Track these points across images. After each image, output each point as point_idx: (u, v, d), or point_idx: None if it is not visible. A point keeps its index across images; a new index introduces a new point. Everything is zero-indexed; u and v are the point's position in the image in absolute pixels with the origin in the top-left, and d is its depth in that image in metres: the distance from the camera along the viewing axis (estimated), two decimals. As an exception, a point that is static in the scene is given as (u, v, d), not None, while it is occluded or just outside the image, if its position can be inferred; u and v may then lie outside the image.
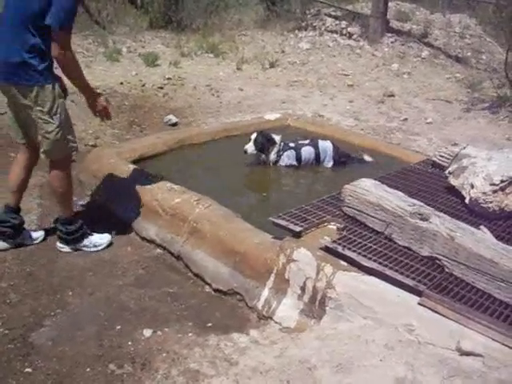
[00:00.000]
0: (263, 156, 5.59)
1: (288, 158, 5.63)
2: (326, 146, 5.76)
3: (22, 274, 3.72)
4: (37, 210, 4.56)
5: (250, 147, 5.50)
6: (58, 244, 4.06)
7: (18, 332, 3.13)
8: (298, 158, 5.66)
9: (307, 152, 5.70)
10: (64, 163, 3.97)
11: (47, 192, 4.86)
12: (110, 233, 4.22)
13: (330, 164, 5.75)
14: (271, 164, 5.60)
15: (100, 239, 4.14)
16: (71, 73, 3.80)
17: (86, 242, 4.07)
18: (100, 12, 12.93)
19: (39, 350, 3.00)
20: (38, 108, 3.66)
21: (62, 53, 3.61)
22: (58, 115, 3.74)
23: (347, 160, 5.81)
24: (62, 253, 4.01)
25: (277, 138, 5.63)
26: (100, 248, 4.09)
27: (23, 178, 4.08)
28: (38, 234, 4.16)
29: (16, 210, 4.05)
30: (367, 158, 5.90)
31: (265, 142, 5.53)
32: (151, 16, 13.25)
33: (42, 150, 3.85)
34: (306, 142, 5.80)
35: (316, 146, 5.72)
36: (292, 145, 5.71)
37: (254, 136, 5.54)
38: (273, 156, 5.59)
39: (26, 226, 4.28)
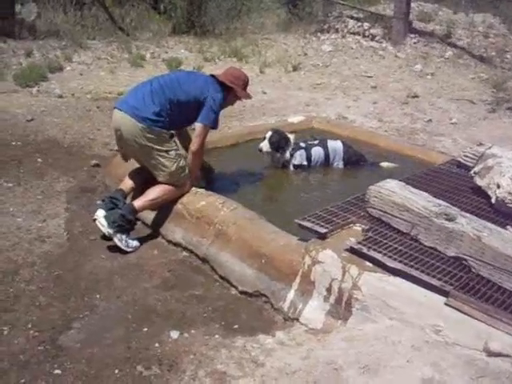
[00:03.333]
0: (278, 155, 5.51)
1: (300, 157, 5.55)
2: (335, 146, 5.69)
3: (51, 277, 3.76)
4: (64, 215, 4.61)
5: (266, 145, 5.42)
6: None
7: (47, 334, 3.17)
8: (308, 158, 5.59)
9: (316, 152, 5.62)
10: (180, 186, 4.40)
11: (74, 197, 4.93)
12: (137, 239, 4.26)
13: (340, 164, 5.69)
14: (286, 163, 5.54)
15: (132, 243, 4.19)
16: (195, 163, 4.55)
17: (124, 236, 4.13)
18: (124, 18, 13.08)
19: (68, 352, 3.04)
20: (158, 147, 4.28)
21: (199, 149, 4.47)
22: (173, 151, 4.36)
23: (360, 161, 5.73)
24: (89, 256, 4.05)
25: (291, 136, 5.57)
26: (128, 250, 4.12)
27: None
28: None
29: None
30: (385, 164, 5.76)
31: (280, 140, 5.46)
32: (174, 21, 13.35)
33: (159, 179, 4.37)
34: (316, 142, 5.73)
35: (325, 147, 5.65)
36: (303, 145, 5.63)
37: (268, 134, 5.46)
38: (287, 155, 5.51)
39: (53, 230, 4.35)
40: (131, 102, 4.34)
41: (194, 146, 4.45)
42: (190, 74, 4.61)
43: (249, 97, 4.90)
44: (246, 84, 4.80)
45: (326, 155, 5.64)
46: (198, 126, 4.44)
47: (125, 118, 4.25)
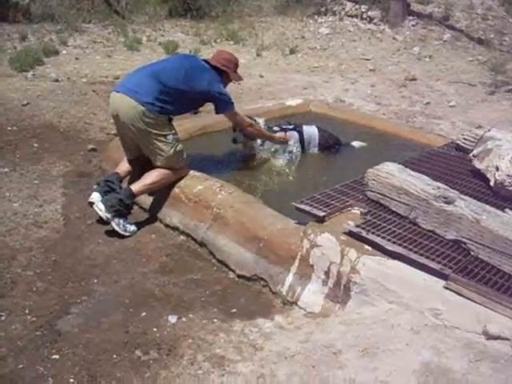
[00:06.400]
0: (249, 142, 5.27)
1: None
2: (311, 131, 5.56)
3: (48, 262, 3.75)
4: (61, 200, 4.59)
5: (239, 136, 5.18)
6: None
7: (44, 319, 3.16)
8: None
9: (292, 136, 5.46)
10: (177, 170, 4.40)
11: (71, 181, 4.90)
12: (135, 223, 4.25)
13: (315, 150, 5.56)
14: (258, 148, 5.32)
15: (129, 227, 4.18)
16: (256, 133, 5.05)
17: (122, 221, 4.12)
18: (119, 1, 12.99)
19: (66, 337, 3.03)
20: (155, 131, 4.26)
21: (245, 125, 4.85)
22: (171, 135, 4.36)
23: (336, 144, 5.62)
24: (86, 241, 4.04)
25: (260, 120, 5.32)
26: (126, 235, 4.11)
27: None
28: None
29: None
30: (356, 143, 5.74)
31: None
32: (170, 5, 13.28)
33: (156, 163, 4.36)
34: (290, 126, 5.54)
35: (300, 132, 5.49)
36: (276, 129, 5.40)
37: None
38: (259, 141, 5.28)
39: (50, 215, 4.33)
40: (130, 85, 4.29)
41: (241, 127, 4.89)
42: (191, 63, 4.49)
43: (240, 79, 4.95)
44: (236, 66, 4.81)
45: (301, 140, 5.46)
46: (226, 115, 4.72)
47: (124, 99, 4.20)
